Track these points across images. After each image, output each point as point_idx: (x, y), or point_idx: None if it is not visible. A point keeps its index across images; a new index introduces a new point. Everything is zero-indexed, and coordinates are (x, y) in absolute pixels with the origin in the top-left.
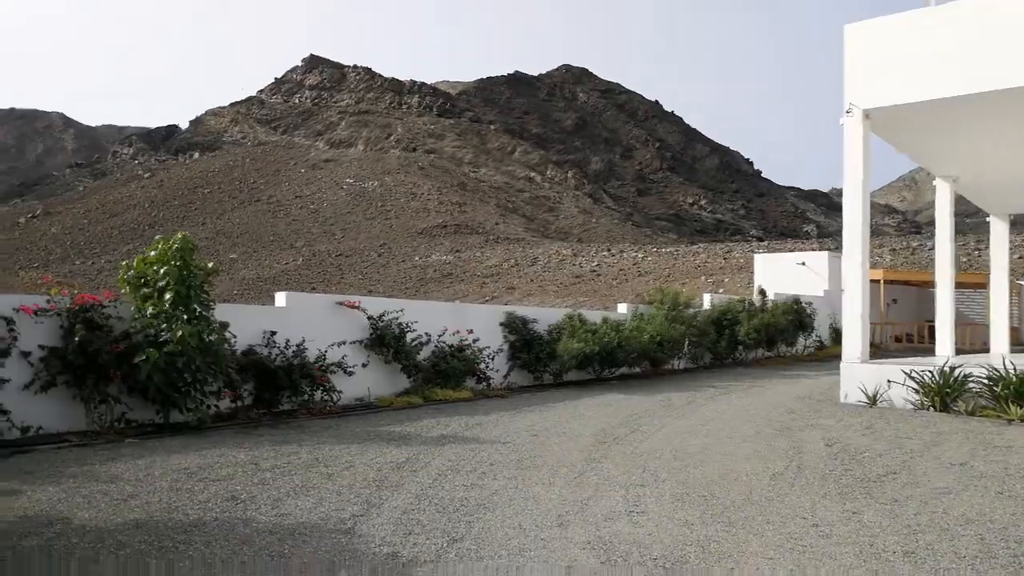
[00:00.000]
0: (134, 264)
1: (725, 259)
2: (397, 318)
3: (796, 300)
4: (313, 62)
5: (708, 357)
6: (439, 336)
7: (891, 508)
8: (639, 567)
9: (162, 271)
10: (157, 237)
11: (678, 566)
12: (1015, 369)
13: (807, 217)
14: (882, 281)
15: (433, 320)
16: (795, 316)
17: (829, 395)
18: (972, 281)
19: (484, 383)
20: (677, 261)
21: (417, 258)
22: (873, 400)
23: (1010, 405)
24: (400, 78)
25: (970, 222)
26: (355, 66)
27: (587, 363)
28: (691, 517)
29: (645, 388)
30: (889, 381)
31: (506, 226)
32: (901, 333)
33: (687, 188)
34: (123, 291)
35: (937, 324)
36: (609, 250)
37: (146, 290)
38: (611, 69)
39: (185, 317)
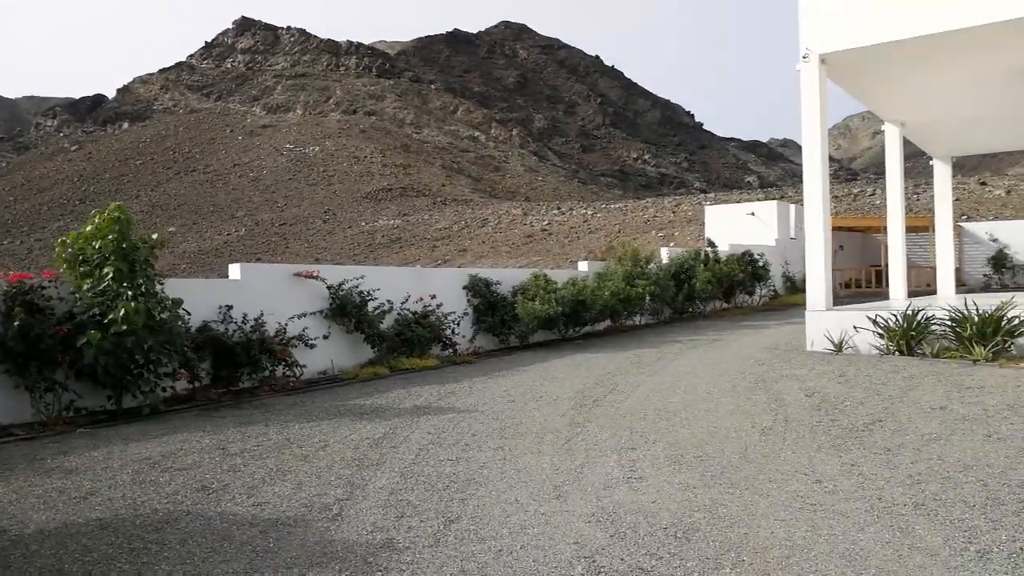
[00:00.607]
0: (69, 240)
1: (674, 212)
2: (357, 286)
3: (748, 252)
4: (245, 24)
5: (668, 311)
6: (402, 303)
7: (887, 458)
8: (650, 538)
9: (98, 245)
10: (93, 211)
11: (691, 534)
12: (978, 310)
13: (748, 168)
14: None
15: (395, 287)
16: (748, 266)
17: (794, 344)
18: (915, 225)
19: (450, 349)
20: (626, 216)
21: (364, 223)
22: (839, 347)
23: (974, 345)
24: (336, 39)
25: (907, 167)
26: (289, 27)
27: (551, 323)
28: (691, 480)
29: (611, 346)
30: (855, 327)
31: (453, 187)
32: (849, 279)
33: (630, 143)
34: (61, 269)
35: (890, 268)
36: (559, 208)
37: (84, 267)
38: (550, 25)
39: (130, 294)
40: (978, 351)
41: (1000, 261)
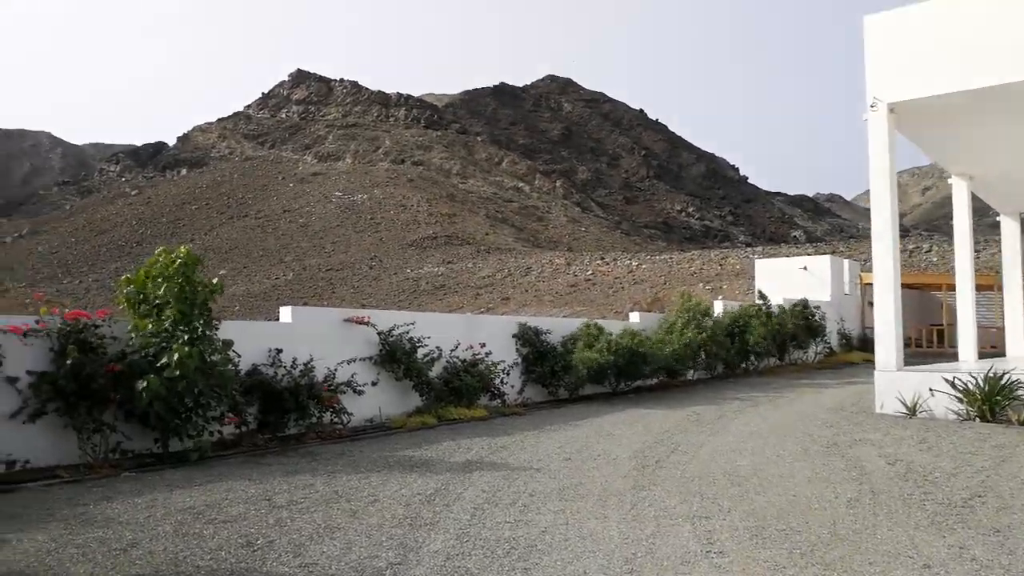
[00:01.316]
0: (134, 278)
1: (721, 265)
2: (408, 332)
3: (804, 304)
4: (300, 76)
5: (720, 367)
6: (451, 351)
7: (999, 540)
8: None
9: (163, 288)
10: (159, 249)
11: None
12: None
13: (794, 223)
14: None
15: (443, 334)
16: (804, 321)
17: (861, 405)
18: (979, 283)
19: (498, 400)
20: (672, 268)
21: (409, 270)
22: (913, 410)
23: None
24: (387, 91)
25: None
26: (342, 80)
27: (602, 376)
28: (778, 558)
29: (666, 401)
30: (931, 390)
31: (496, 236)
32: (908, 338)
33: (674, 195)
34: (120, 307)
35: (959, 328)
36: (603, 258)
37: (144, 307)
38: (595, 79)
39: (186, 337)
40: None
41: None
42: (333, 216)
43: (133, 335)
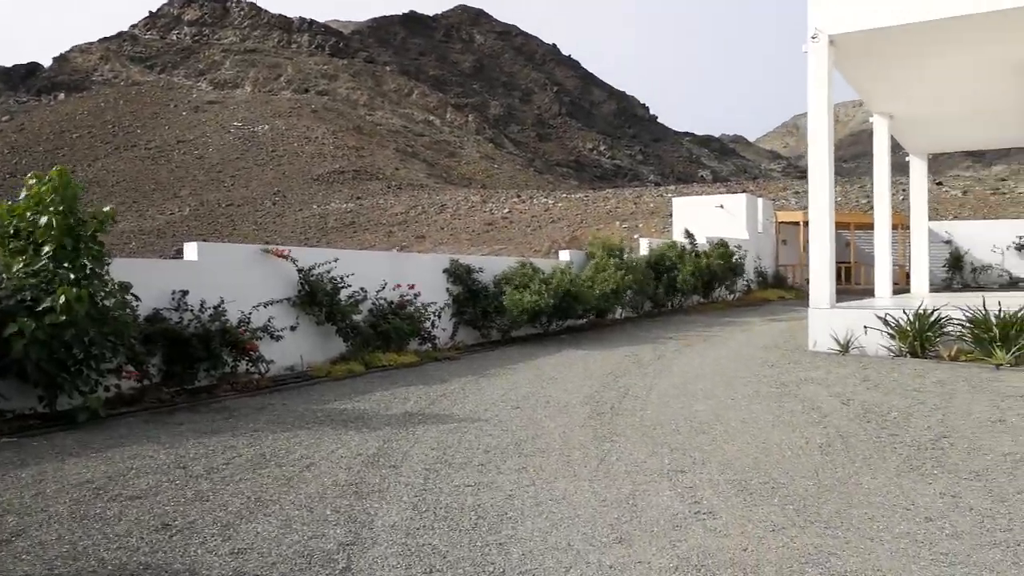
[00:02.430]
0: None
1: (635, 204)
2: (329, 271)
3: (723, 243)
4: None
5: (647, 305)
6: (377, 291)
7: (985, 486)
8: None
9: (41, 220)
10: (29, 175)
11: None
12: (999, 311)
13: (701, 163)
14: (802, 224)
15: (368, 272)
16: (725, 260)
17: (794, 343)
18: (868, 222)
19: (429, 344)
20: (588, 206)
21: (315, 206)
22: (846, 347)
23: (996, 349)
24: (288, 15)
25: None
26: (239, 1)
27: (536, 317)
28: (773, 516)
29: (600, 342)
30: (865, 327)
31: (407, 171)
32: None
33: (586, 133)
34: None
35: (877, 266)
36: (519, 196)
37: (16, 243)
38: (508, 11)
39: (72, 277)
40: (999, 355)
41: (958, 261)
42: (232, 148)
43: (4, 276)
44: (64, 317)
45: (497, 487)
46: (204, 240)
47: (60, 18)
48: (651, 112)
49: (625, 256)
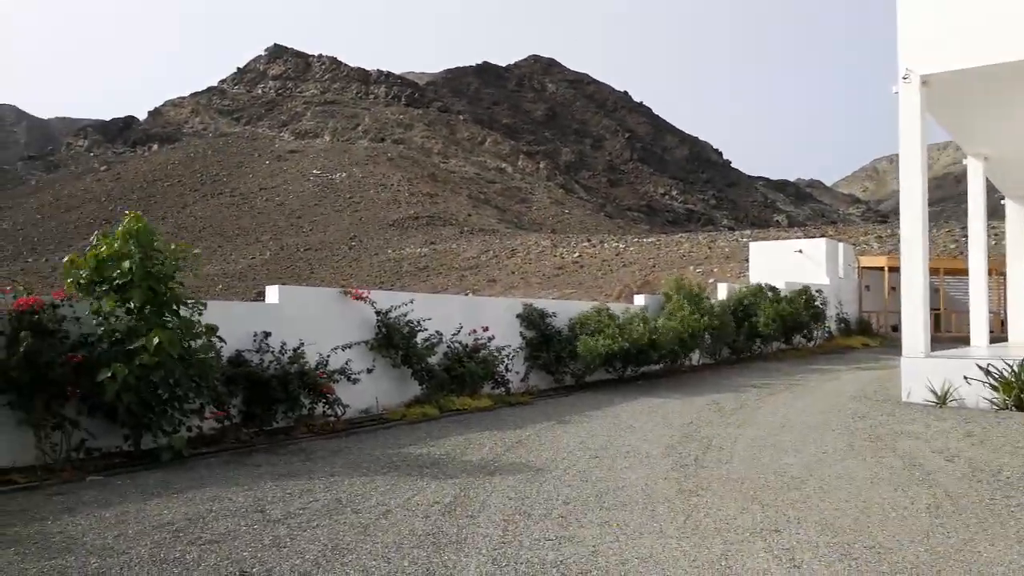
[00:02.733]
0: (80, 263)
1: (710, 248)
2: (406, 315)
3: (805, 289)
4: (277, 51)
5: (725, 351)
6: (452, 335)
7: None
8: None
9: (124, 265)
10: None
11: None
12: None
13: (777, 207)
14: (886, 269)
15: (443, 315)
16: (807, 306)
17: (885, 393)
18: (958, 268)
19: (502, 388)
20: (660, 251)
21: (390, 251)
22: (943, 399)
23: None
24: (367, 68)
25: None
26: (320, 56)
27: (611, 362)
28: None
29: (677, 389)
30: (967, 378)
31: (479, 217)
32: (899, 323)
33: (658, 179)
34: (71, 292)
35: (973, 313)
36: (589, 240)
37: (101, 289)
38: (579, 60)
39: (162, 319)
40: None
41: None
42: (311, 195)
43: (97, 317)
44: (155, 359)
45: (579, 541)
46: (283, 283)
47: (154, 74)
48: (724, 157)
49: (703, 301)
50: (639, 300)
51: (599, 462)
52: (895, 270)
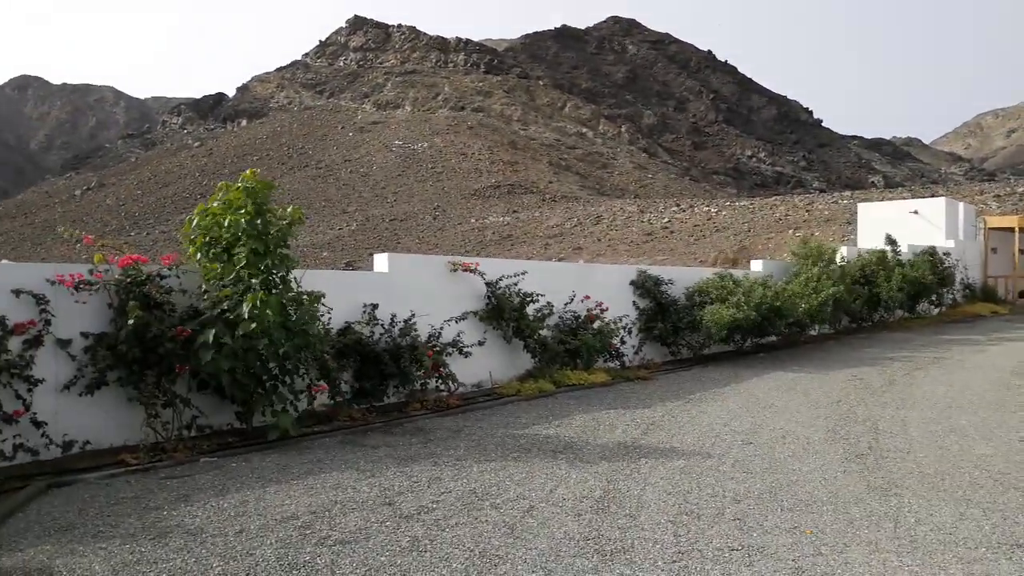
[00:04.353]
0: (196, 217)
1: (808, 211)
2: (516, 284)
3: (931, 251)
4: (357, 23)
5: (845, 320)
6: (565, 305)
7: None
8: None
9: (228, 220)
10: (221, 183)
11: None
12: None
13: (872, 167)
14: (1017, 229)
15: (553, 285)
16: (933, 270)
17: None
18: None
19: (617, 361)
20: (754, 215)
21: (473, 220)
22: None
23: None
24: (445, 36)
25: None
26: (399, 25)
27: (734, 334)
28: None
29: (806, 363)
30: None
31: (560, 184)
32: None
33: (744, 140)
34: (188, 252)
35: None
36: (678, 205)
37: (214, 250)
38: (661, 19)
39: (262, 282)
40: None
41: None
42: (394, 165)
43: (203, 286)
44: (254, 325)
45: (771, 554)
46: (371, 254)
47: (242, 51)
48: (815, 116)
49: (834, 266)
50: (756, 266)
51: (755, 449)
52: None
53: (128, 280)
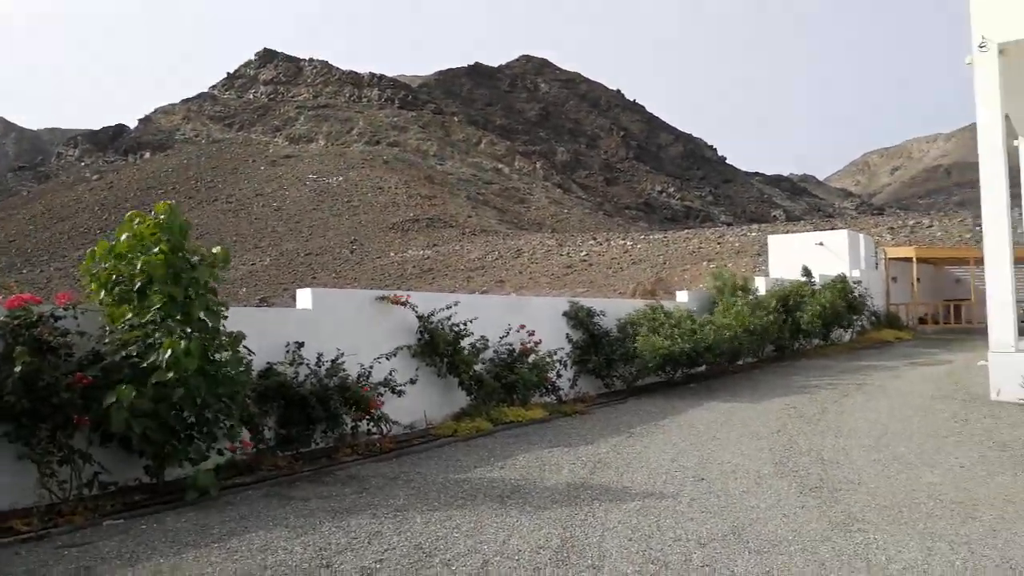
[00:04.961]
0: (98, 253)
1: (719, 243)
2: (450, 317)
3: (842, 279)
4: (267, 56)
5: (769, 348)
6: (500, 338)
7: None
8: None
9: (140, 263)
10: (130, 213)
11: None
12: None
13: (774, 202)
14: (914, 259)
15: (485, 317)
16: (845, 298)
17: (967, 391)
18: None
19: (553, 396)
20: (668, 247)
21: (393, 253)
22: None
23: None
24: (358, 71)
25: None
26: (311, 59)
27: (666, 365)
28: None
29: (738, 392)
30: None
31: (479, 218)
32: (926, 314)
33: (654, 176)
34: (89, 291)
35: (994, 305)
36: (595, 238)
37: (120, 289)
38: (571, 59)
39: (183, 329)
40: None
41: None
42: (308, 199)
43: (107, 328)
44: (171, 375)
45: None
46: (286, 289)
47: (143, 82)
48: (719, 153)
49: (754, 296)
50: (682, 296)
51: (708, 485)
52: (924, 261)
53: (16, 322)
